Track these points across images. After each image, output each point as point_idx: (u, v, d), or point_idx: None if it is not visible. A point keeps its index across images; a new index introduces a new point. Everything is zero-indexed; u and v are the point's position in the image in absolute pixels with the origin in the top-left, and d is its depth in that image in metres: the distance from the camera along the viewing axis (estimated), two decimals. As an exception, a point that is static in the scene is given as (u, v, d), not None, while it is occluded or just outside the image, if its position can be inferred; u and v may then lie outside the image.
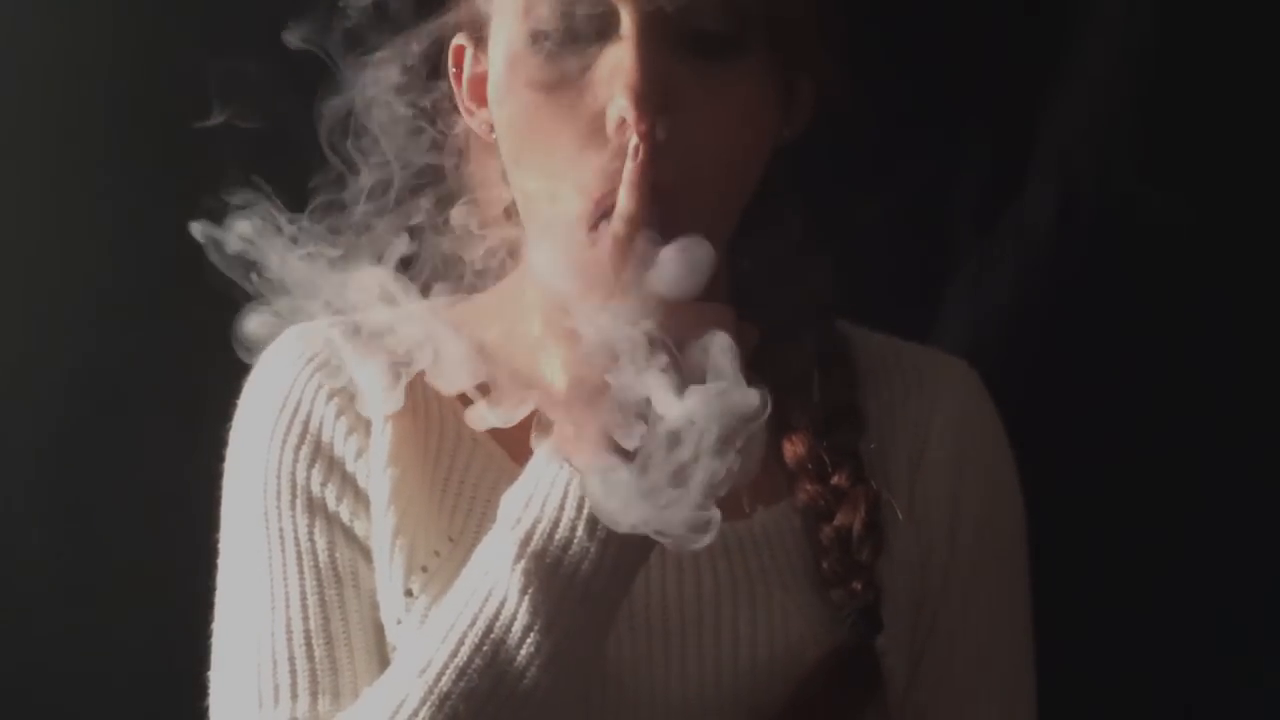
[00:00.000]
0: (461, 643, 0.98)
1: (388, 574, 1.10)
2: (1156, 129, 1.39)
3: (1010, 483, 1.22)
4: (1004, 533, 1.21)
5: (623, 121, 1.01)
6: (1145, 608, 1.39)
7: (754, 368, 1.05)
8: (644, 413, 0.94)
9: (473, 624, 0.98)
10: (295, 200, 1.07)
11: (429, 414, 1.15)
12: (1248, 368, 1.39)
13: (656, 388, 0.93)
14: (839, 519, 1.14)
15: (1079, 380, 1.41)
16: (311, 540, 1.11)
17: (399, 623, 1.09)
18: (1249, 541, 1.39)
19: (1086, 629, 1.37)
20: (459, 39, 1.13)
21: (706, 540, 0.91)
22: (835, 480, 1.15)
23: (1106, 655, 1.38)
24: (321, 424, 1.13)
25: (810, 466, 1.15)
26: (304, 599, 1.10)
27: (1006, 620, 1.21)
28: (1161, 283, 1.40)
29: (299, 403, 1.14)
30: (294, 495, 1.12)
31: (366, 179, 1.11)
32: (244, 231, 1.02)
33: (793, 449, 1.16)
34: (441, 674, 0.98)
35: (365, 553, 1.11)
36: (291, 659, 1.08)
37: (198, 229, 1.02)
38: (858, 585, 1.13)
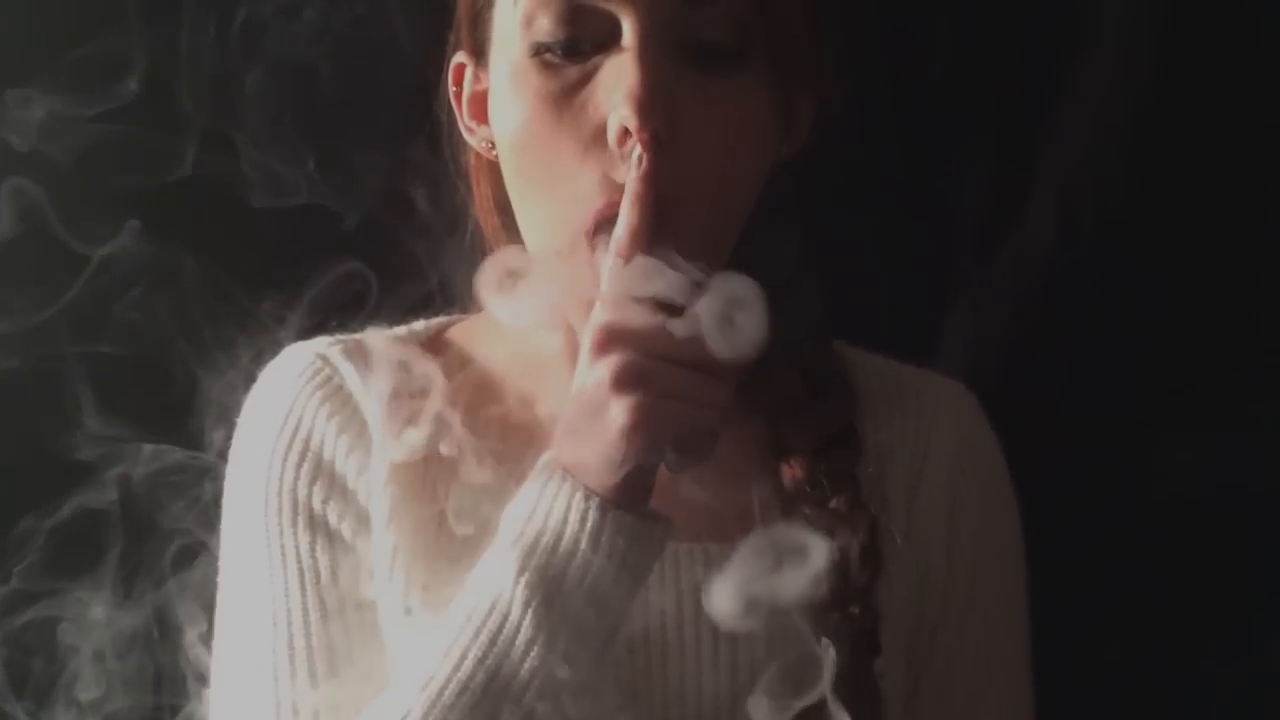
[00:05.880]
0: (464, 657, 0.98)
1: (388, 591, 1.09)
2: (1157, 149, 1.40)
3: (1008, 505, 1.22)
4: (1002, 554, 1.21)
5: (625, 131, 1.01)
6: (1144, 626, 1.39)
7: (751, 389, 1.07)
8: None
9: (475, 638, 0.98)
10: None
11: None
12: (1251, 388, 1.40)
13: None
14: (837, 542, 1.13)
15: (1079, 402, 1.41)
16: (313, 557, 1.11)
17: (399, 640, 1.09)
18: (1253, 561, 1.40)
19: (1085, 648, 1.37)
20: (459, 57, 1.14)
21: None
22: (833, 504, 1.14)
23: (1105, 673, 1.38)
24: (323, 442, 1.13)
25: (808, 489, 1.15)
26: (306, 616, 1.09)
27: (1005, 641, 1.21)
28: (1163, 303, 1.41)
29: (300, 420, 1.13)
30: (295, 513, 1.12)
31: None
32: None
33: (791, 472, 1.15)
34: (444, 688, 0.98)
35: (367, 570, 1.11)
36: (293, 676, 1.08)
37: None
38: (855, 609, 1.12)
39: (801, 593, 0.97)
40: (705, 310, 0.95)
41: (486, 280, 1.04)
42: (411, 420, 1.11)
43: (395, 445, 1.11)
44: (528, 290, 1.04)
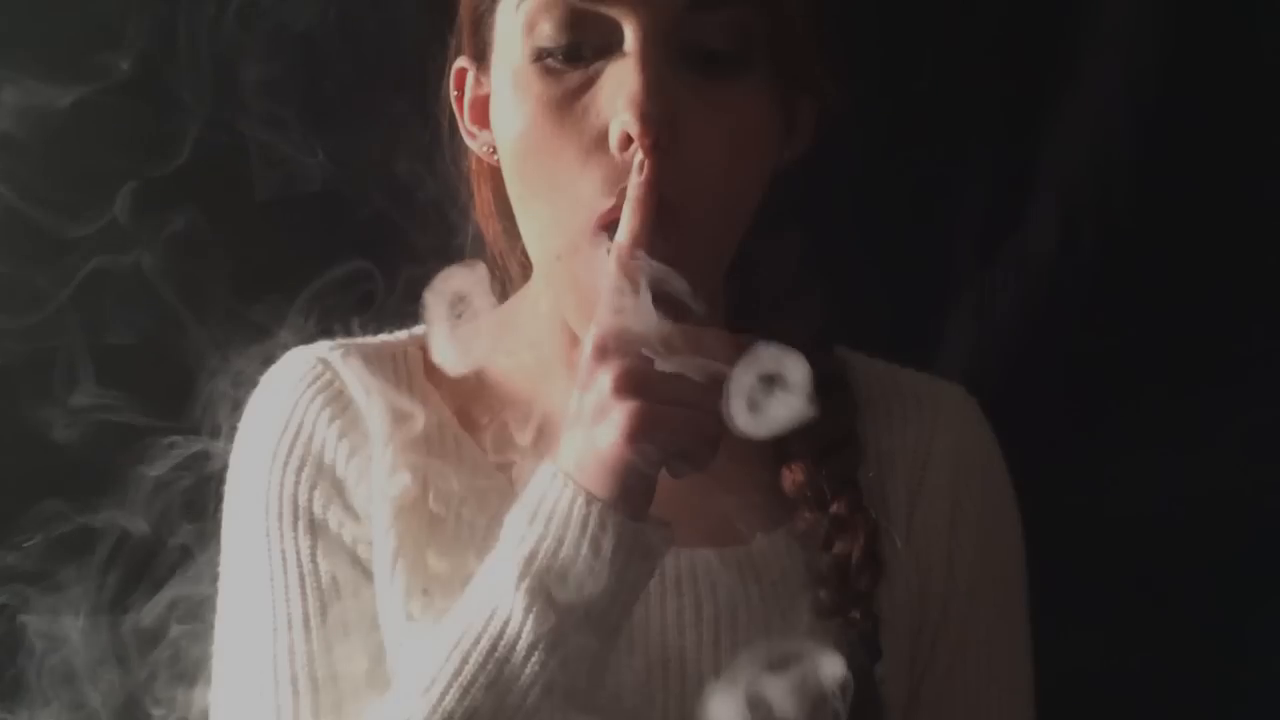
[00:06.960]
0: (465, 661, 0.98)
1: (389, 596, 1.09)
2: (1158, 154, 1.40)
3: (1009, 510, 1.22)
4: (1002, 560, 1.21)
5: (626, 137, 1.01)
6: (1146, 633, 1.39)
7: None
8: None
9: (476, 643, 0.98)
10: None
11: (430, 437, 1.14)
12: (1253, 394, 1.40)
13: None
14: (838, 547, 1.14)
15: (1080, 408, 1.41)
16: (314, 562, 1.11)
17: (400, 645, 1.09)
18: (1255, 563, 1.40)
19: (1086, 650, 1.36)
20: (460, 62, 1.14)
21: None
22: (834, 508, 1.14)
23: (1106, 675, 1.38)
24: (324, 446, 1.13)
25: (809, 494, 1.15)
26: (307, 620, 1.09)
27: (1005, 646, 1.21)
28: (1165, 309, 1.41)
29: (300, 425, 1.13)
30: (296, 517, 1.12)
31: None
32: None
33: (791, 477, 1.16)
34: (445, 693, 0.98)
35: (368, 575, 1.11)
36: (294, 680, 1.08)
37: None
38: (856, 614, 1.12)
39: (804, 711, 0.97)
40: (736, 382, 0.95)
41: (433, 315, 1.06)
42: (407, 439, 1.12)
43: (391, 483, 1.11)
44: (466, 334, 1.06)
